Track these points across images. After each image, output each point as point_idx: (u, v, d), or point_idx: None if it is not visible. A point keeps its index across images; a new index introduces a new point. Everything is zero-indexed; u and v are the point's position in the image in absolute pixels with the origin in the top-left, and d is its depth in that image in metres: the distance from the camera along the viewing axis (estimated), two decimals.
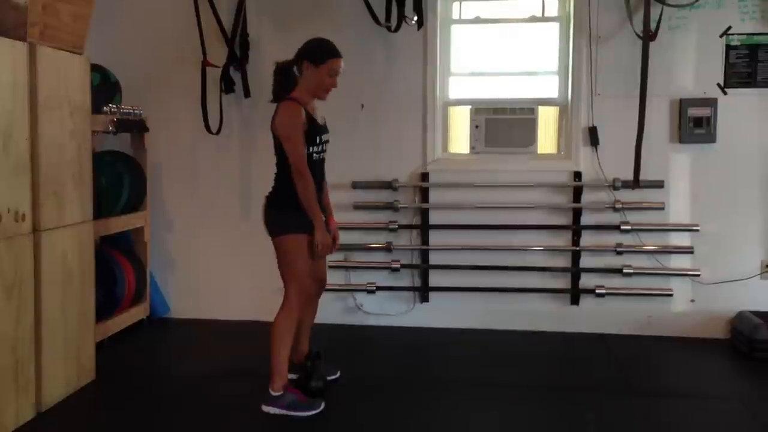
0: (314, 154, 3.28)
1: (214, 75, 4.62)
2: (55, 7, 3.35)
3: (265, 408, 3.25)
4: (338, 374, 3.73)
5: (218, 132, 4.65)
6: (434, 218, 4.62)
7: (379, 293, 4.64)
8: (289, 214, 3.24)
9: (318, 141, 3.29)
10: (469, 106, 4.61)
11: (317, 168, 3.33)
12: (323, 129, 3.38)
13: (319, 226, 3.26)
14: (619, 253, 4.44)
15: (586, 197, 4.50)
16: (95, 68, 4.14)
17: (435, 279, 4.65)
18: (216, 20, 4.56)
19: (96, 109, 3.90)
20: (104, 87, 4.36)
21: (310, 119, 3.25)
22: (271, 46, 4.65)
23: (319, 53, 3.25)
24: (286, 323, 3.28)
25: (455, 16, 4.72)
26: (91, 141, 3.71)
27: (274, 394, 3.25)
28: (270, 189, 3.37)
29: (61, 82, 3.39)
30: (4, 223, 3.00)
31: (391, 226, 4.58)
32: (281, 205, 3.29)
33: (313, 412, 3.25)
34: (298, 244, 3.25)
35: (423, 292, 4.66)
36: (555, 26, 4.62)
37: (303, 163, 3.20)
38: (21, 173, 3.12)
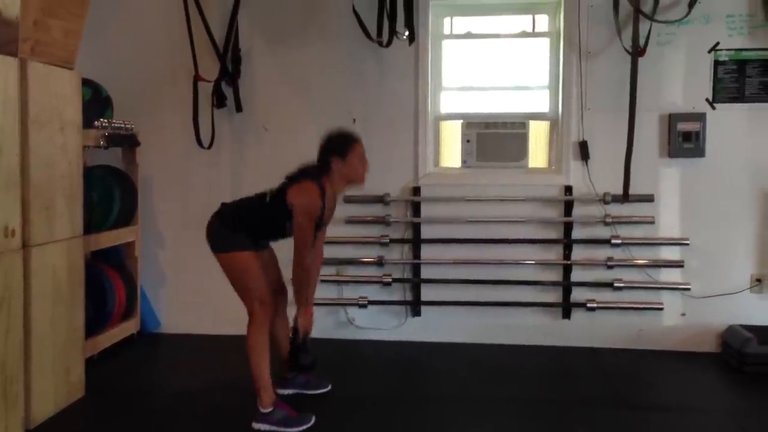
0: (316, 230, 3.33)
1: (205, 89, 4.63)
2: (46, 23, 3.36)
3: (256, 425, 3.23)
4: (329, 387, 3.72)
5: (210, 146, 4.66)
6: (426, 232, 4.63)
7: (370, 307, 4.63)
8: (237, 236, 3.27)
9: (322, 224, 3.36)
10: (461, 121, 4.64)
11: (316, 233, 3.37)
12: (330, 214, 3.44)
13: (302, 313, 3.36)
14: (610, 267, 4.45)
15: (577, 211, 4.52)
16: (86, 83, 4.14)
17: (427, 293, 4.65)
18: (208, 35, 4.58)
19: (87, 123, 3.89)
20: (95, 102, 4.36)
21: (325, 207, 3.28)
22: (263, 61, 4.68)
23: (343, 145, 3.32)
24: (257, 338, 3.28)
25: (446, 31, 4.76)
26: (82, 156, 3.71)
27: (263, 410, 3.24)
28: (217, 209, 3.41)
29: (52, 98, 3.39)
30: None
31: (382, 241, 4.58)
32: (235, 228, 3.30)
33: (304, 427, 3.24)
34: (246, 261, 3.26)
35: (415, 306, 4.66)
36: (545, 41, 4.66)
37: (306, 252, 3.24)
38: (11, 188, 3.11)
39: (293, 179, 3.30)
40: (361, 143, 3.37)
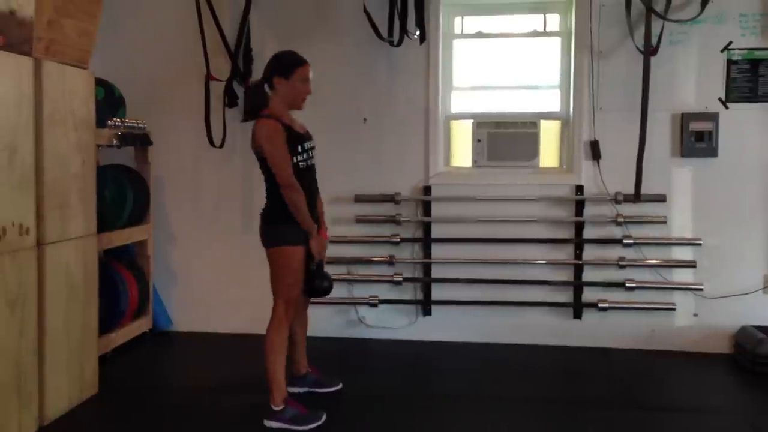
0: (300, 163, 3.29)
1: (217, 89, 4.66)
2: (60, 23, 3.38)
3: (267, 423, 3.25)
4: (340, 386, 3.73)
5: (221, 146, 4.68)
6: (436, 232, 4.63)
7: (381, 306, 4.64)
8: (283, 228, 3.27)
9: (301, 149, 3.30)
10: (472, 120, 4.63)
11: (306, 176, 3.34)
12: (305, 137, 3.38)
13: (314, 235, 3.31)
14: (622, 267, 4.43)
15: (588, 211, 4.50)
16: (100, 82, 4.17)
17: (437, 292, 4.65)
18: (219, 35, 4.60)
19: (100, 122, 3.92)
20: (109, 101, 4.39)
21: (289, 130, 3.27)
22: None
23: (287, 65, 3.31)
24: (277, 336, 3.29)
25: (457, 30, 4.75)
26: (95, 155, 3.74)
27: (275, 408, 3.25)
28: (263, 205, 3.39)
29: (66, 97, 3.41)
30: (9, 236, 3.01)
31: (393, 240, 4.59)
32: (275, 219, 3.30)
33: (315, 425, 3.25)
34: (290, 256, 3.26)
35: (425, 305, 4.66)
36: (557, 41, 4.65)
37: (290, 176, 3.22)
38: (25, 187, 3.14)
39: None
40: (308, 66, 3.34)
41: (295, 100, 3.34)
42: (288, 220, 3.25)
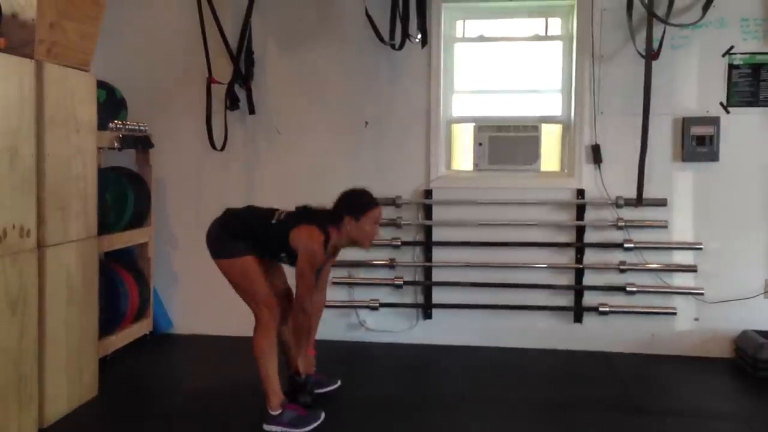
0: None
1: (219, 92, 4.66)
2: (62, 26, 3.39)
3: (267, 427, 3.24)
4: (339, 383, 3.74)
5: (223, 148, 4.68)
6: (437, 235, 4.63)
7: (382, 310, 4.63)
8: (238, 243, 3.26)
9: (321, 268, 3.38)
10: (473, 124, 4.63)
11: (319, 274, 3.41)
12: (331, 261, 3.51)
13: (303, 355, 3.44)
14: (623, 271, 4.43)
15: (589, 215, 4.50)
16: (101, 85, 4.18)
17: (438, 296, 4.64)
18: (221, 38, 4.60)
19: (102, 125, 3.92)
20: (110, 103, 4.40)
21: (326, 253, 3.29)
22: (276, 64, 4.70)
23: (359, 207, 3.28)
24: (264, 341, 3.28)
25: (459, 34, 4.76)
26: (96, 157, 3.74)
27: (272, 413, 3.25)
28: (220, 215, 3.41)
29: (67, 99, 3.42)
30: (9, 238, 3.01)
31: (394, 243, 4.58)
32: (237, 235, 3.28)
33: (315, 425, 3.25)
34: (247, 266, 3.25)
35: (426, 308, 4.66)
36: (558, 45, 4.65)
37: (308, 297, 3.22)
38: (26, 189, 3.14)
39: (301, 218, 3.26)
40: (379, 209, 3.33)
41: (360, 241, 3.32)
42: (244, 238, 3.25)
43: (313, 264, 3.19)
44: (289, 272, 3.53)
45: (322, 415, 3.30)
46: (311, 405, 3.42)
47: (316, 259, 3.20)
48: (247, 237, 3.27)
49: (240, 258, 3.25)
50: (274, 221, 3.29)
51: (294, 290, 3.56)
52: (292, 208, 3.38)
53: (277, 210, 3.35)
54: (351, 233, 3.27)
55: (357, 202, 3.30)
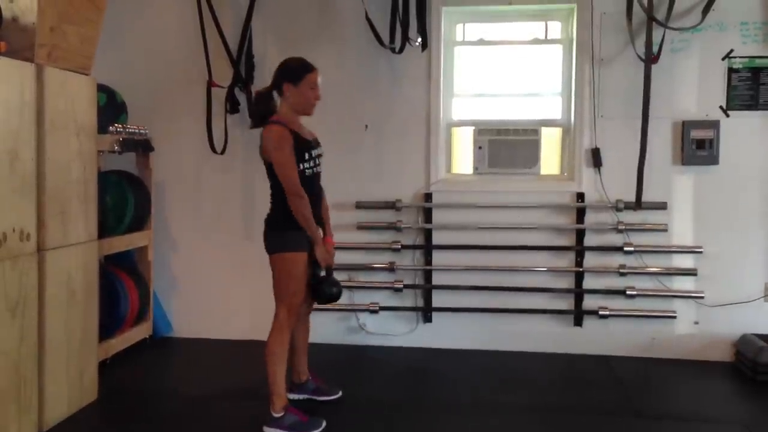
0: (306, 170, 3.29)
1: (219, 95, 4.67)
2: (62, 29, 3.39)
3: (267, 429, 3.24)
4: (340, 394, 3.72)
5: (223, 152, 4.69)
6: (437, 239, 4.63)
7: (382, 313, 4.63)
8: (288, 234, 3.26)
9: (308, 157, 3.31)
10: (473, 127, 4.64)
11: (312, 183, 3.35)
12: (313, 144, 3.39)
13: (318, 243, 3.32)
14: (623, 274, 4.43)
15: (589, 218, 4.51)
16: (102, 88, 4.18)
17: (438, 299, 4.64)
18: (222, 41, 4.61)
19: (102, 128, 3.93)
20: (110, 107, 4.41)
21: (297, 137, 3.27)
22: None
23: (296, 71, 3.32)
24: (278, 343, 3.28)
25: (459, 37, 4.76)
26: (96, 161, 3.74)
27: (275, 415, 3.25)
28: (268, 211, 3.39)
29: (68, 103, 3.42)
30: (9, 242, 3.01)
31: (394, 247, 4.58)
32: (279, 226, 3.30)
33: None
34: (293, 262, 3.27)
35: (426, 312, 4.66)
36: (558, 48, 4.66)
37: (296, 184, 3.22)
38: (27, 193, 3.14)
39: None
40: (316, 72, 3.35)
41: (304, 106, 3.35)
42: (292, 226, 3.25)
43: (281, 147, 3.20)
44: None
45: (324, 424, 3.29)
46: (338, 295, 3.41)
47: (280, 139, 3.20)
48: (280, 209, 3.29)
49: (289, 253, 3.26)
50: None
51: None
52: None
53: None
54: (292, 101, 3.31)
55: (293, 68, 3.34)
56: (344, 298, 4.59)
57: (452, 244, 4.59)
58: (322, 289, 3.37)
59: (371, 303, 4.62)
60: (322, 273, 3.39)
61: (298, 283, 3.29)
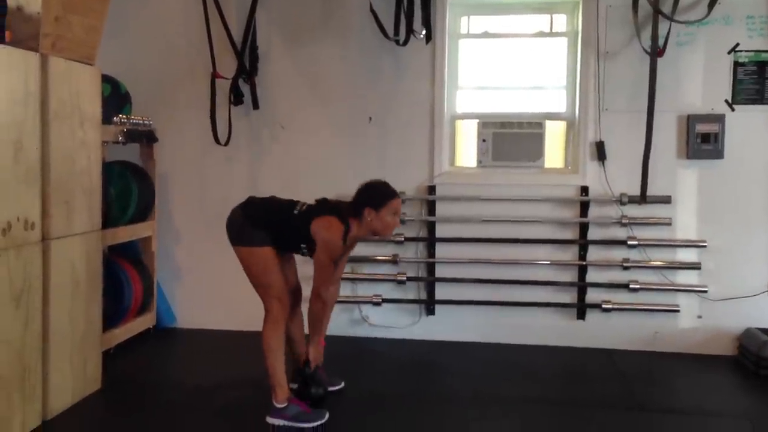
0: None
1: (223, 87, 4.66)
2: (67, 19, 3.39)
3: (270, 420, 3.25)
4: (342, 385, 3.73)
5: (227, 143, 4.68)
6: (441, 231, 4.63)
7: (385, 306, 4.64)
8: (261, 232, 3.26)
9: (338, 260, 3.38)
10: (477, 120, 4.63)
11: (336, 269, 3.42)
12: (348, 252, 3.50)
13: (315, 344, 3.45)
14: (626, 268, 4.43)
15: (593, 212, 4.50)
16: (106, 79, 4.18)
17: (441, 292, 4.65)
18: (226, 33, 4.60)
19: (106, 119, 3.93)
20: (115, 98, 4.41)
21: (345, 245, 3.29)
22: (280, 59, 4.70)
23: (380, 197, 3.28)
24: (273, 335, 3.29)
25: (463, 30, 4.75)
26: (101, 151, 3.74)
27: (278, 405, 3.25)
28: (243, 201, 3.41)
29: (72, 93, 3.42)
30: (14, 231, 3.02)
31: (397, 239, 4.58)
32: (259, 224, 3.28)
33: (318, 423, 3.24)
34: (266, 257, 3.26)
35: (429, 305, 4.66)
36: (563, 41, 4.64)
37: (325, 282, 3.25)
38: (31, 182, 3.15)
39: (322, 209, 3.29)
40: (398, 200, 3.33)
41: (382, 231, 3.31)
42: (270, 233, 3.26)
43: (332, 254, 3.21)
44: (300, 268, 3.57)
45: (326, 415, 3.29)
46: (324, 397, 3.41)
47: (335, 249, 3.21)
48: (270, 226, 3.27)
49: (261, 248, 3.26)
50: (296, 212, 3.30)
51: (301, 286, 3.63)
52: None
53: (298, 202, 3.37)
54: (371, 224, 3.28)
55: (377, 194, 3.31)
56: (347, 291, 4.64)
57: (455, 237, 4.59)
58: (309, 392, 3.39)
59: (374, 295, 4.63)
60: (309, 371, 3.43)
61: (277, 273, 3.29)
